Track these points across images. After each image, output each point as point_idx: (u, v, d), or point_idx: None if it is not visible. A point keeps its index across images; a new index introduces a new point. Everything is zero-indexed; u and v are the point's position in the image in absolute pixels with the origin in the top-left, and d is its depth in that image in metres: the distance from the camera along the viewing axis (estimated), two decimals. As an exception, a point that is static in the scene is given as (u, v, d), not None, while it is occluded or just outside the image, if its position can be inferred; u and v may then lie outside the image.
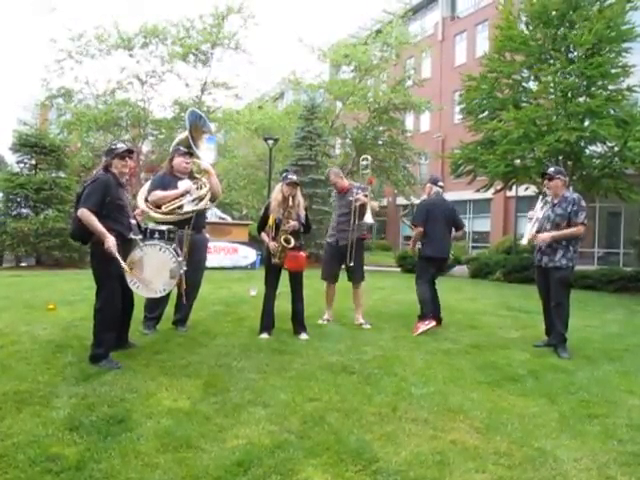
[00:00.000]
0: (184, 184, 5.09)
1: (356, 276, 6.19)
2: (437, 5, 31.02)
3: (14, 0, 62.08)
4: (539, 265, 5.34)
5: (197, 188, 5.13)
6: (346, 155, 23.84)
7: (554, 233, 5.11)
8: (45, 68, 19.98)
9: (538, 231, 5.28)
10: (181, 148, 5.37)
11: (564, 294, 5.19)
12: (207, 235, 5.74)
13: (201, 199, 5.07)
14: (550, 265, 5.19)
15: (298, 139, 18.39)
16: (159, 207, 4.95)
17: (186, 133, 5.41)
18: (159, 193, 5.01)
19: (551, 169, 5.51)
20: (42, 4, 36.65)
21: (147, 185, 5.30)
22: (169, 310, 5.52)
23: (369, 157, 6.54)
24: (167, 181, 5.13)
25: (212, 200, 5.28)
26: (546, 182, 5.42)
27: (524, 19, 13.67)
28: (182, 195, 5.00)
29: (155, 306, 5.22)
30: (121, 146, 4.30)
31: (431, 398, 3.57)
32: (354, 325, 6.08)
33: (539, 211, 5.37)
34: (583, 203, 5.16)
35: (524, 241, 5.55)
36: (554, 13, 12.70)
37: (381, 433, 2.97)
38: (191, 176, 5.29)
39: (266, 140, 18.28)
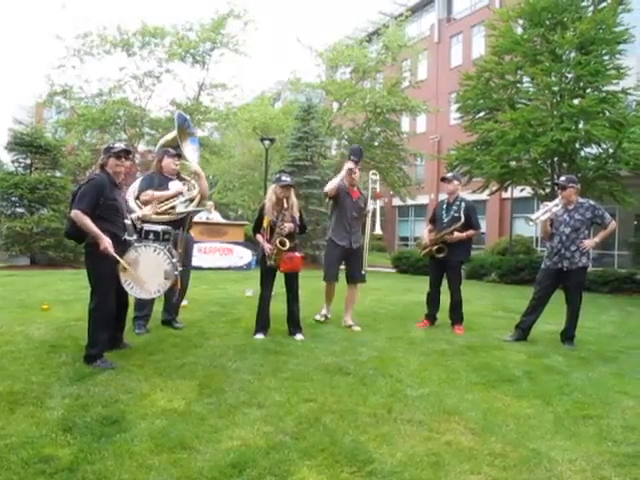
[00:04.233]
0: (175, 185, 5.19)
1: (360, 276, 6.23)
2: (433, 7, 31.11)
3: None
4: (557, 269, 5.44)
5: (187, 190, 5.22)
6: (342, 156, 23.84)
7: (597, 239, 5.44)
8: (49, 65, 20.03)
9: (551, 230, 5.48)
10: (170, 150, 5.35)
11: (581, 295, 5.51)
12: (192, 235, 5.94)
13: (192, 201, 5.18)
14: (573, 267, 5.37)
15: (294, 140, 18.35)
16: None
17: (174, 134, 5.36)
18: (152, 193, 5.04)
19: (562, 178, 5.66)
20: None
21: (136, 184, 5.30)
22: (159, 309, 5.53)
23: (377, 173, 6.58)
24: (158, 181, 5.16)
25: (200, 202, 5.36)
26: (559, 191, 5.54)
27: (520, 21, 13.74)
28: (174, 196, 5.08)
29: (143, 305, 5.21)
30: (118, 145, 4.29)
31: (426, 399, 3.57)
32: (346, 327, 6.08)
33: (553, 206, 5.47)
34: (599, 205, 5.47)
35: (533, 216, 5.56)
36: (545, 14, 12.76)
37: (376, 434, 2.96)
38: (179, 177, 5.35)
39: (262, 141, 18.25)
